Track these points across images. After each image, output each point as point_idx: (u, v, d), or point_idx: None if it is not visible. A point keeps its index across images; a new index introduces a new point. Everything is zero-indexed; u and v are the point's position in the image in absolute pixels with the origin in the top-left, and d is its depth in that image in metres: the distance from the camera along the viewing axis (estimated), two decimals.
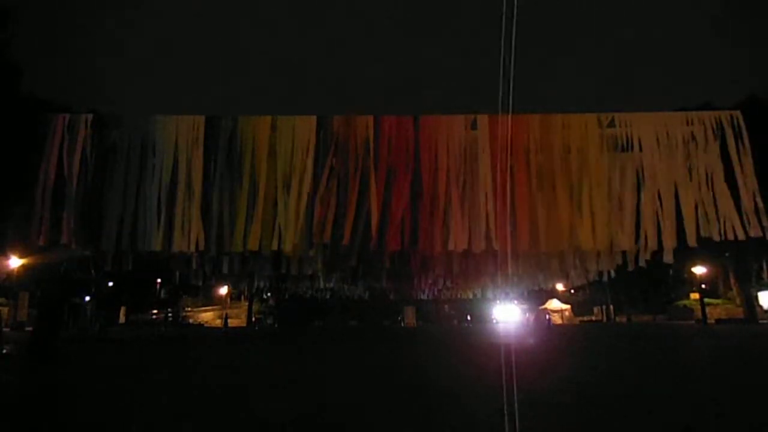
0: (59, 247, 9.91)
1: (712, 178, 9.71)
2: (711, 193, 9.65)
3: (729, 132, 9.86)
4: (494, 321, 47.88)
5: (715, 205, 9.58)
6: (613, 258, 12.34)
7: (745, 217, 9.41)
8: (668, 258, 9.82)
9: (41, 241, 9.53)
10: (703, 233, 9.52)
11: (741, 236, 9.35)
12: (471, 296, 39.42)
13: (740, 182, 9.57)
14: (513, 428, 4.21)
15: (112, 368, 11.08)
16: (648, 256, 10.37)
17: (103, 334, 27.88)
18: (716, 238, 9.45)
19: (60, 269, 12.67)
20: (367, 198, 9.65)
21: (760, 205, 9.41)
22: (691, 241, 9.51)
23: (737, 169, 9.65)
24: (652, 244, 9.74)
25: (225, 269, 14.26)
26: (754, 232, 9.34)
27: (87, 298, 40.17)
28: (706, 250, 25.98)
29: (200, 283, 29.75)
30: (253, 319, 48.62)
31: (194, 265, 14.45)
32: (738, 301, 38.91)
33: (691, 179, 9.79)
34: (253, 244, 9.55)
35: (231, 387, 7.81)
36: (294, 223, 9.53)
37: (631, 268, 11.48)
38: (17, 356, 12.71)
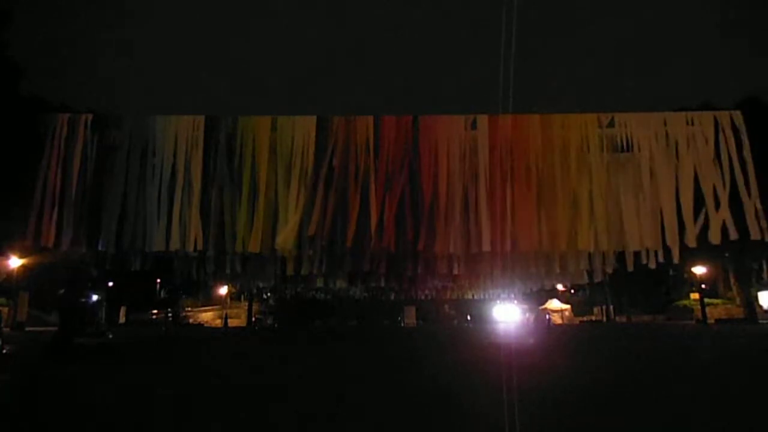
0: (59, 248, 9.92)
1: (711, 178, 9.71)
2: (710, 192, 9.65)
3: (729, 132, 9.87)
4: (494, 321, 47.88)
5: (714, 205, 9.58)
6: (612, 258, 12.35)
7: (744, 218, 9.42)
8: (673, 257, 9.85)
9: (42, 242, 9.55)
10: (702, 233, 9.53)
11: (758, 225, 9.33)
12: (471, 296, 39.46)
13: (740, 182, 9.58)
14: (513, 428, 4.22)
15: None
16: (648, 256, 10.38)
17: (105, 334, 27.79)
18: (715, 239, 9.44)
19: (74, 270, 12.53)
20: (367, 198, 9.66)
21: (758, 206, 9.42)
22: (691, 241, 9.52)
23: (737, 169, 9.66)
24: (653, 244, 9.75)
25: (228, 270, 14.29)
26: (754, 232, 9.35)
27: (95, 298, 40.20)
28: (706, 250, 25.97)
29: (205, 283, 29.72)
30: (253, 319, 48.58)
31: (192, 265, 14.44)
32: (738, 301, 38.90)
33: (691, 179, 9.80)
34: (254, 246, 9.57)
35: (230, 386, 7.81)
36: (294, 224, 9.54)
37: (630, 268, 11.51)
38: (35, 357, 12.63)
